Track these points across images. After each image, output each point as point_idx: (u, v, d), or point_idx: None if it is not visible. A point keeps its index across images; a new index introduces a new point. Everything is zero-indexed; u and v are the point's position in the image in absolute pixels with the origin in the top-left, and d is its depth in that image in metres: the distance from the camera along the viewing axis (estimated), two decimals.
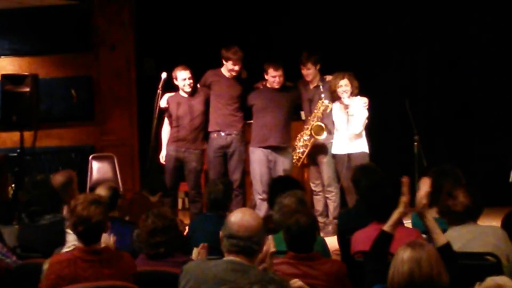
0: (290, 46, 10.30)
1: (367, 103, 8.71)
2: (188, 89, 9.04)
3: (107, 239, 5.06)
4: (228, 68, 9.02)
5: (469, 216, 4.87)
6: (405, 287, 3.48)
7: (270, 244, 4.05)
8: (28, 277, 5.09)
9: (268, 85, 9.00)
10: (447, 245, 4.34)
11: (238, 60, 8.98)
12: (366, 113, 8.68)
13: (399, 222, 4.49)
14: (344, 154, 8.74)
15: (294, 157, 8.94)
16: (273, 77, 8.87)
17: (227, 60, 9.00)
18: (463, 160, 9.67)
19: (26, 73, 10.41)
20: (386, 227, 4.47)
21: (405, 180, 4.52)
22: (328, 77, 8.89)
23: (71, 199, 6.45)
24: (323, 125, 8.73)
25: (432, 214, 5.43)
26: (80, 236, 4.58)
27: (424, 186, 4.46)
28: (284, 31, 10.98)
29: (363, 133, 8.75)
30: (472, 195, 4.88)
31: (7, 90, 10.00)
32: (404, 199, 4.49)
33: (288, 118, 9.02)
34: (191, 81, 9.03)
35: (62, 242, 5.45)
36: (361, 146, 8.73)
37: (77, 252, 4.58)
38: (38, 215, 5.87)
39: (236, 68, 9.00)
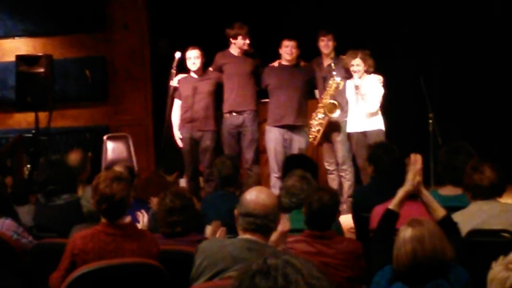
0: (304, 26, 10.26)
1: (382, 80, 8.68)
2: (195, 68, 9.06)
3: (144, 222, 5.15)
4: (239, 45, 9.06)
5: (494, 191, 4.85)
6: (410, 266, 3.49)
7: (285, 222, 4.07)
8: (44, 256, 5.12)
9: (282, 61, 9.00)
10: (447, 217, 4.35)
11: (247, 33, 9.03)
12: (381, 91, 8.65)
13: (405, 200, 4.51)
14: (360, 132, 8.72)
15: (310, 136, 8.93)
16: (285, 47, 8.88)
17: (235, 36, 9.04)
18: (479, 137, 9.63)
19: (40, 54, 10.41)
20: (392, 205, 4.48)
21: (413, 158, 4.52)
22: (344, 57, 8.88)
23: (85, 178, 6.53)
24: (336, 102, 8.71)
25: (446, 191, 5.47)
26: (104, 213, 4.61)
27: (416, 163, 4.47)
28: (298, 11, 10.93)
29: (379, 111, 8.73)
30: (498, 171, 4.86)
31: (21, 71, 10.02)
32: (410, 177, 4.49)
33: (304, 97, 9.01)
34: (198, 60, 9.05)
35: (78, 222, 5.47)
36: (377, 123, 8.69)
37: (100, 227, 4.62)
38: (55, 194, 5.89)
39: (247, 41, 9.05)
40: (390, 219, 4.44)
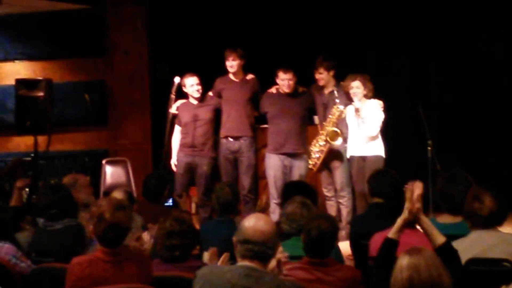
0: (303, 51, 10.31)
1: (382, 105, 8.71)
2: (197, 95, 9.10)
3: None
4: (227, 66, 9.06)
5: (494, 221, 4.84)
6: None
7: (280, 252, 4.07)
8: (43, 281, 5.11)
9: (280, 89, 9.01)
10: (446, 244, 4.35)
11: (231, 54, 9.04)
12: (382, 115, 8.67)
13: (404, 228, 4.51)
14: (359, 156, 8.74)
15: (310, 162, 8.93)
16: (282, 81, 8.89)
17: (225, 59, 9.05)
18: (477, 164, 9.65)
19: (40, 78, 10.42)
20: (391, 234, 4.48)
21: (409, 187, 4.53)
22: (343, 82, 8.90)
23: (78, 202, 6.51)
24: (338, 131, 8.72)
25: (443, 219, 5.46)
26: (108, 241, 4.61)
27: (416, 189, 4.48)
28: (297, 36, 10.97)
29: (379, 136, 8.74)
30: (498, 200, 4.85)
31: (21, 95, 10.02)
32: (408, 205, 4.50)
33: (303, 125, 9.03)
34: (199, 87, 9.10)
35: (76, 246, 5.47)
36: (377, 149, 8.71)
37: (98, 253, 4.62)
38: (56, 219, 5.87)
39: (233, 63, 9.05)
40: (390, 248, 4.44)
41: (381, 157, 8.71)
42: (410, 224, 4.97)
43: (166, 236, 4.96)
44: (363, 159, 8.72)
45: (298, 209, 5.42)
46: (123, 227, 4.57)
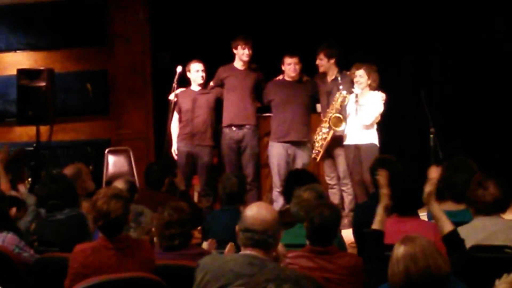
0: (304, 41, 10.27)
1: (384, 98, 8.68)
2: (200, 81, 9.10)
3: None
4: (239, 55, 9.05)
5: (498, 207, 4.84)
6: (405, 284, 3.48)
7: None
8: (46, 271, 5.12)
9: (286, 77, 9.00)
10: (453, 233, 4.37)
11: (247, 43, 9.03)
12: (380, 108, 8.64)
13: (387, 216, 4.52)
14: (354, 145, 8.72)
15: (314, 152, 8.92)
16: (288, 65, 8.89)
17: (236, 47, 9.05)
18: (480, 152, 9.62)
19: (41, 68, 10.42)
20: (375, 224, 4.49)
21: (382, 173, 4.53)
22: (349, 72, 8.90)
23: (82, 192, 6.53)
24: (341, 116, 8.70)
25: (447, 207, 5.46)
26: (101, 229, 4.64)
27: (432, 174, 4.48)
28: (299, 25, 10.93)
29: (374, 127, 8.72)
30: (502, 187, 4.85)
31: (23, 85, 10.03)
32: (384, 191, 4.50)
33: (307, 113, 9.03)
34: (203, 74, 9.09)
35: (79, 236, 5.47)
36: (371, 137, 8.68)
37: (100, 241, 4.65)
38: (57, 209, 5.88)
39: (247, 51, 9.04)
40: (377, 239, 4.45)
41: (375, 145, 8.67)
42: (410, 212, 4.98)
43: (165, 226, 4.96)
44: (357, 147, 8.70)
45: (314, 199, 5.41)
46: (113, 216, 4.58)
